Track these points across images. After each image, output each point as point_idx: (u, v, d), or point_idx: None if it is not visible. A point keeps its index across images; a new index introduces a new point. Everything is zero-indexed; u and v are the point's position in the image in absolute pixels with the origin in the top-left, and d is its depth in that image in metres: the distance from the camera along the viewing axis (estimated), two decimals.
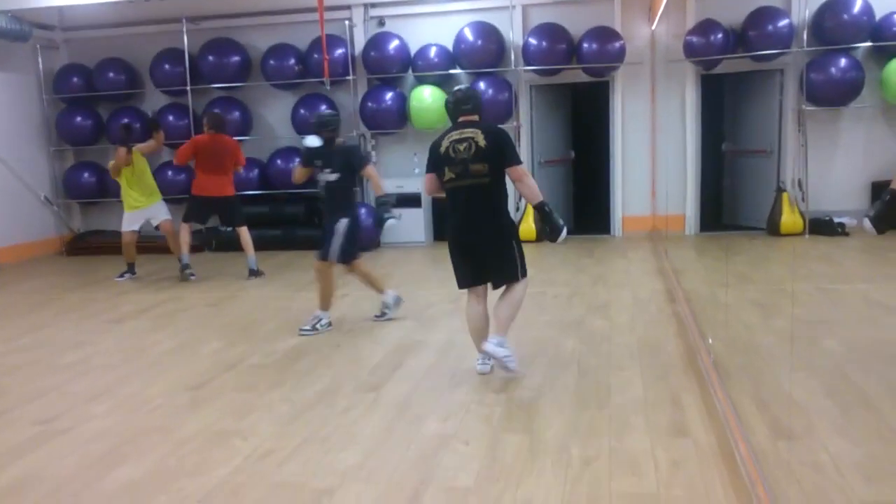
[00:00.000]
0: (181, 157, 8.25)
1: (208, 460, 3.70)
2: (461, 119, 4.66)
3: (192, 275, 8.31)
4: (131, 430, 4.15)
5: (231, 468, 3.60)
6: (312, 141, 5.92)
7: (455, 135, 4.58)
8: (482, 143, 4.49)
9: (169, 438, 4.00)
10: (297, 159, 7.07)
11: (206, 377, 4.99)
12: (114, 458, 3.79)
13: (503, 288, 4.67)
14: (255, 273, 8.29)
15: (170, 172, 10.56)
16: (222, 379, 4.96)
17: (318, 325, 5.94)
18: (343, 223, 5.85)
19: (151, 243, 10.63)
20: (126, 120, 8.71)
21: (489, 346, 4.51)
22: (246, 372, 5.10)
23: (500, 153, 4.53)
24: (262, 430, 4.06)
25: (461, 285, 4.75)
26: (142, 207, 8.42)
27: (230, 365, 5.25)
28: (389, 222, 6.06)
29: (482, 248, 4.61)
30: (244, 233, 8.35)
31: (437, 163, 4.64)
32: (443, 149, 4.58)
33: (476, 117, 4.71)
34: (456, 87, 4.90)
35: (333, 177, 5.86)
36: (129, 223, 8.46)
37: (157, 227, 8.67)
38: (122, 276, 8.62)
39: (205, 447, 3.87)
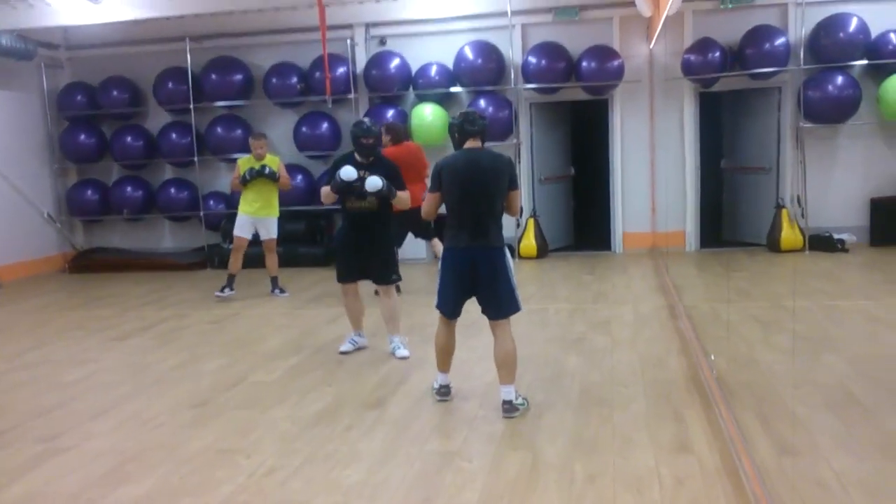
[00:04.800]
0: None
1: (211, 479, 3.71)
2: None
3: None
4: (134, 449, 4.15)
5: (234, 486, 3.61)
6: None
7: None
8: None
9: (172, 456, 4.01)
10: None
11: (208, 395, 5.00)
12: (117, 476, 3.80)
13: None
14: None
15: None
16: (225, 396, 4.97)
17: None
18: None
19: (153, 261, 10.69)
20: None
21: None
22: (248, 389, 5.11)
23: None
24: (265, 447, 4.07)
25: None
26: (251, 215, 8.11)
27: (233, 383, 5.25)
28: None
29: None
30: (438, 243, 7.60)
31: None
32: None
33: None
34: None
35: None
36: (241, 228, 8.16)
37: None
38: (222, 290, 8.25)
39: (208, 465, 3.88)
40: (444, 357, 4.66)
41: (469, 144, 4.49)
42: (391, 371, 5.35)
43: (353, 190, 5.44)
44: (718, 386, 4.34)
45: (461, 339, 4.84)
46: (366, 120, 5.72)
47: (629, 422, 4.16)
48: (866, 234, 9.42)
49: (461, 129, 4.49)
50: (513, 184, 4.51)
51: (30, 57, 10.28)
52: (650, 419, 4.19)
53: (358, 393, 4.91)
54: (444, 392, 4.68)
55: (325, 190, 5.55)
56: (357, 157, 5.57)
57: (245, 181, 7.93)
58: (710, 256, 9.80)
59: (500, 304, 4.41)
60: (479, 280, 4.43)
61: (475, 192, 4.41)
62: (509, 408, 4.34)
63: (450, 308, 4.55)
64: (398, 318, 5.75)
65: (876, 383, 4.65)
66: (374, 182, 5.31)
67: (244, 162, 8.06)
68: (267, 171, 7.97)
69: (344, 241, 5.84)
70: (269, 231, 8.24)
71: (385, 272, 5.65)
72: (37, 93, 11.01)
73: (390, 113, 10.06)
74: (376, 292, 5.99)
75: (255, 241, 8.28)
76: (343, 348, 5.92)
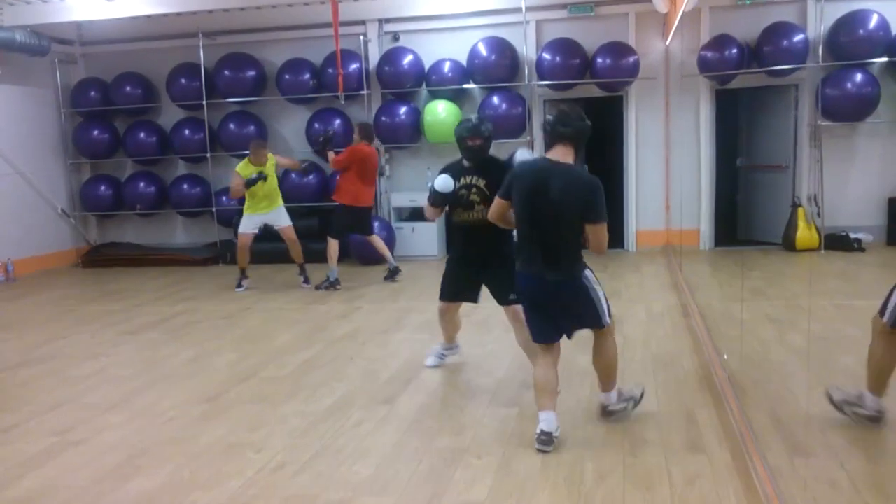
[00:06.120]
0: (339, 165, 8.21)
1: (221, 472, 3.71)
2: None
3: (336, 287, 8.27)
4: (146, 442, 4.16)
5: (244, 480, 3.61)
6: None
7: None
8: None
9: (183, 450, 4.02)
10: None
11: (220, 389, 5.01)
12: (128, 469, 3.81)
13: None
14: (395, 272, 8.52)
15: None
16: (236, 391, 4.97)
17: None
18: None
19: (165, 256, 10.74)
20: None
21: None
22: (259, 384, 5.11)
23: None
24: (276, 442, 4.07)
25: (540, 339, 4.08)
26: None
27: (244, 377, 5.26)
28: None
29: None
30: (378, 240, 8.62)
31: None
32: None
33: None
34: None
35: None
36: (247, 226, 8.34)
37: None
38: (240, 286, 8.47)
39: (218, 459, 3.88)
40: (543, 394, 3.88)
41: (556, 151, 3.77)
42: (402, 367, 5.34)
43: (458, 200, 4.67)
44: (731, 385, 4.30)
45: (473, 336, 4.82)
46: (472, 117, 4.91)
47: (640, 421, 4.13)
48: (883, 233, 9.30)
49: (552, 129, 3.78)
50: (594, 215, 3.68)
51: (44, 53, 10.33)
52: (661, 418, 4.15)
53: (368, 389, 4.90)
54: (544, 441, 3.76)
55: (427, 205, 4.82)
56: (465, 162, 4.75)
57: (252, 184, 7.97)
58: (724, 255, 9.72)
59: (584, 321, 3.99)
60: (558, 309, 3.93)
61: (540, 214, 3.74)
62: (607, 413, 4.11)
63: (539, 333, 3.99)
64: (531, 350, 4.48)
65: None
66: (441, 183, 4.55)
67: (244, 168, 8.11)
68: (265, 176, 8.05)
69: (452, 259, 5.01)
70: (282, 220, 8.38)
71: (503, 291, 4.68)
72: (51, 88, 11.07)
73: (403, 109, 10.06)
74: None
75: (260, 238, 8.47)
76: (429, 363, 5.26)
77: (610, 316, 4.02)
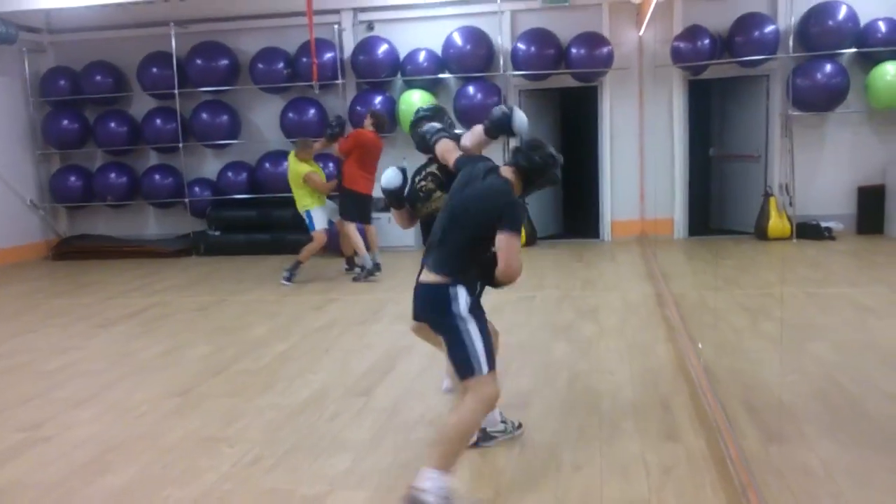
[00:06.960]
0: (343, 149, 8.13)
1: (195, 467, 3.67)
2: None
3: (371, 273, 8.18)
4: (117, 437, 4.10)
5: (218, 475, 3.57)
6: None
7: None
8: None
9: (155, 445, 3.96)
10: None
11: (193, 383, 4.95)
12: (99, 465, 3.75)
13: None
14: (377, 268, 8.32)
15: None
16: (210, 384, 4.92)
17: None
18: None
19: (137, 248, 10.60)
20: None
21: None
22: (234, 377, 5.06)
23: None
24: (250, 436, 4.02)
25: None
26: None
27: (218, 370, 5.20)
28: None
29: None
30: (373, 232, 8.51)
31: None
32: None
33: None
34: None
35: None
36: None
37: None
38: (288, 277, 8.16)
39: (191, 454, 3.83)
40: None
41: (504, 169, 3.27)
42: (378, 359, 5.32)
43: (416, 196, 3.90)
44: (705, 373, 4.33)
45: None
46: (423, 105, 4.31)
47: (616, 410, 4.15)
48: (853, 221, 9.44)
49: (513, 153, 3.29)
50: (507, 222, 3.05)
51: (11, 41, 10.12)
52: (637, 407, 4.17)
53: (344, 381, 4.87)
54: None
55: (393, 212, 4.00)
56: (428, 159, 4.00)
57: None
58: (697, 244, 9.80)
59: (450, 357, 3.20)
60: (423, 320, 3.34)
61: (451, 209, 3.24)
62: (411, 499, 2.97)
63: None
64: None
65: (861, 370, 4.65)
66: (521, 120, 3.60)
67: (315, 167, 8.14)
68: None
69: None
70: (336, 212, 8.40)
71: None
72: (19, 77, 10.84)
73: (378, 99, 9.99)
74: None
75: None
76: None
77: (488, 367, 3.07)
